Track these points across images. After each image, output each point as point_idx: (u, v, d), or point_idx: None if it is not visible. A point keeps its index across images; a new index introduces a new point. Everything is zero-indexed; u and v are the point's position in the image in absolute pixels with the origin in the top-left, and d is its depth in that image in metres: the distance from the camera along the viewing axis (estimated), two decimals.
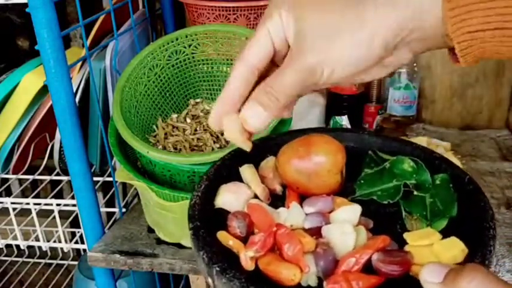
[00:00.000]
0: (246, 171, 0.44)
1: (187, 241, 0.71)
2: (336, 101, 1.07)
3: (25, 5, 0.62)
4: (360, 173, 0.45)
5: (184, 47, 0.76)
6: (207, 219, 0.40)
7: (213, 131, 0.74)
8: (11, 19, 1.23)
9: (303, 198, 0.42)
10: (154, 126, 0.75)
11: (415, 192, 0.40)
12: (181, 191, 0.65)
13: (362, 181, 0.43)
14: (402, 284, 0.34)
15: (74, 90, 0.73)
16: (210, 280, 0.36)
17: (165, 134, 0.74)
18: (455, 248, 0.35)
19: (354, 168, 0.44)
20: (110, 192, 1.00)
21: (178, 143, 0.72)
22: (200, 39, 0.75)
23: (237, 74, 0.37)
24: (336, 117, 0.84)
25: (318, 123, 1.08)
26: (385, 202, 0.41)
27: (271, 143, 0.48)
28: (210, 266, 0.35)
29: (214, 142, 0.72)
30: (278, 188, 0.44)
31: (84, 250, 1.34)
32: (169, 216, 0.69)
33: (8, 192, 1.33)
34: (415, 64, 1.06)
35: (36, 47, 0.63)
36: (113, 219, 1.06)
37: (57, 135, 0.90)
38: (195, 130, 0.74)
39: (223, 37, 0.75)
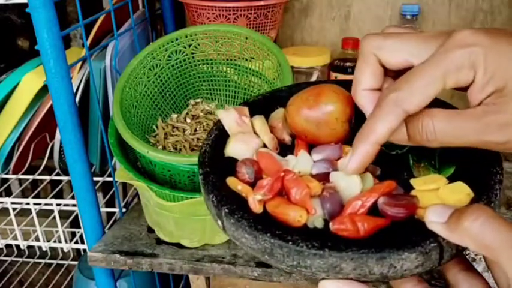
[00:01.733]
0: (256, 121, 0.44)
1: (187, 241, 0.71)
2: None
3: (25, 5, 0.62)
4: None
5: (184, 47, 0.76)
6: (217, 166, 0.40)
7: None
8: (11, 19, 1.23)
9: (311, 147, 0.42)
10: (154, 126, 0.75)
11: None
12: (181, 191, 0.65)
13: None
14: (407, 226, 0.34)
15: (74, 90, 0.73)
16: (219, 222, 0.37)
17: (165, 134, 0.74)
18: (460, 192, 0.35)
19: (364, 119, 0.43)
20: (110, 192, 1.00)
21: (178, 143, 0.72)
22: (200, 39, 0.75)
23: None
24: None
25: None
26: (394, 152, 0.41)
27: (280, 95, 0.48)
28: (219, 208, 0.36)
29: None
30: (287, 138, 0.44)
31: (84, 250, 1.34)
32: (169, 216, 0.69)
33: (8, 192, 1.33)
34: None
35: (36, 47, 0.63)
36: (113, 219, 1.06)
37: (57, 135, 0.90)
38: (195, 130, 0.74)
39: (223, 37, 0.75)
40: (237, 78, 0.78)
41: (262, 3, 0.89)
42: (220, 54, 0.77)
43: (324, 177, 0.38)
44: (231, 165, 0.41)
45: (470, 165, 0.38)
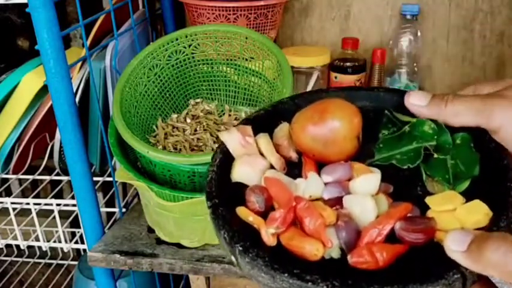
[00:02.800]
0: (261, 141, 0.42)
1: (187, 241, 0.71)
2: None
3: (25, 5, 0.62)
4: (377, 133, 0.43)
5: (184, 47, 0.76)
6: (225, 195, 0.39)
7: (213, 131, 0.74)
8: (11, 19, 1.23)
9: (319, 165, 0.41)
10: (154, 127, 0.75)
11: (436, 155, 0.39)
12: (181, 191, 0.65)
13: (381, 145, 0.41)
14: (427, 250, 0.33)
15: (74, 90, 0.73)
16: (233, 258, 0.36)
17: (165, 134, 0.74)
18: (479, 212, 0.34)
19: (371, 128, 0.42)
20: (110, 192, 1.00)
21: (178, 143, 0.72)
22: (200, 39, 0.75)
23: None
24: None
25: None
26: (405, 167, 0.40)
27: (283, 107, 0.46)
28: (232, 246, 0.35)
29: (214, 142, 0.72)
30: (294, 156, 0.42)
31: (84, 250, 1.34)
32: (169, 216, 0.69)
33: (8, 192, 1.33)
34: (415, 64, 1.06)
35: (36, 47, 0.63)
36: (113, 219, 1.06)
37: (57, 135, 0.91)
38: (195, 130, 0.74)
39: (223, 37, 0.75)
40: (237, 78, 0.78)
41: (262, 3, 0.89)
42: (220, 54, 0.77)
43: (336, 202, 0.37)
44: (239, 192, 0.39)
45: (484, 180, 0.37)
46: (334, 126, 0.39)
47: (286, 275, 0.33)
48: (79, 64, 0.82)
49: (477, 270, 0.31)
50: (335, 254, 0.35)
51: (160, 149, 0.70)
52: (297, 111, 0.43)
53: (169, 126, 0.75)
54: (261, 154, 0.42)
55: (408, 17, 1.02)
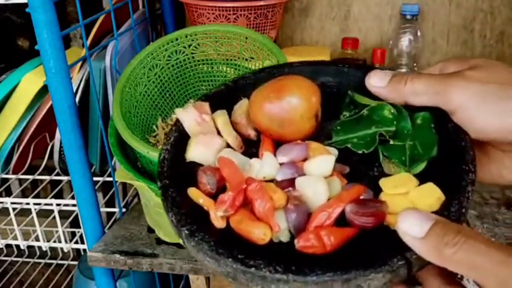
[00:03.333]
0: (218, 119, 0.41)
1: None
2: None
3: (25, 5, 0.62)
4: (339, 112, 0.41)
5: (184, 47, 0.76)
6: (178, 176, 0.38)
7: None
8: (11, 19, 1.23)
9: (278, 144, 0.40)
10: (154, 127, 0.75)
11: (392, 141, 0.38)
12: None
13: (338, 127, 0.40)
14: (376, 234, 0.33)
15: (74, 90, 0.73)
16: (182, 242, 0.35)
17: (165, 134, 0.74)
18: (431, 196, 0.34)
19: (333, 105, 0.41)
20: (110, 192, 1.00)
21: None
22: (200, 39, 0.75)
23: None
24: None
25: None
26: (360, 152, 0.39)
27: (245, 83, 0.44)
28: (179, 228, 0.35)
29: None
30: (252, 134, 0.41)
31: (84, 250, 1.34)
32: None
33: (8, 192, 1.33)
34: (415, 64, 1.06)
35: (36, 47, 0.63)
36: (113, 219, 1.06)
37: (57, 135, 0.90)
38: None
39: (223, 37, 0.75)
40: None
41: (262, 3, 0.89)
42: (220, 54, 0.77)
43: (289, 184, 0.36)
44: (193, 171, 0.38)
45: (442, 161, 0.36)
46: (291, 104, 0.38)
47: (230, 259, 0.32)
48: (79, 64, 0.82)
49: (434, 261, 0.29)
50: (284, 237, 0.34)
51: (160, 149, 0.70)
52: (258, 86, 0.41)
53: (169, 126, 0.75)
54: (218, 132, 0.41)
55: (408, 17, 1.02)
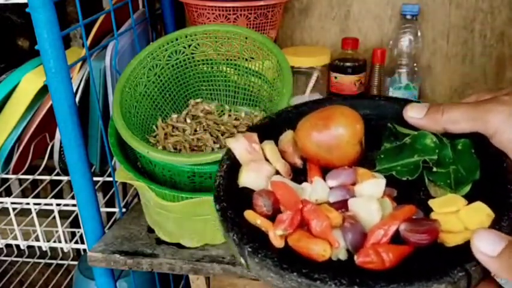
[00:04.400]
0: (266, 147, 0.44)
1: (187, 241, 0.71)
2: None
3: (25, 5, 0.62)
4: (379, 141, 0.44)
5: (184, 47, 0.76)
6: (233, 199, 0.40)
7: (213, 131, 0.74)
8: (11, 19, 1.23)
9: (324, 171, 0.42)
10: (154, 127, 0.75)
11: (435, 169, 0.40)
12: (181, 191, 0.65)
13: (382, 155, 0.43)
14: (431, 251, 0.34)
15: (74, 90, 0.73)
16: (242, 260, 0.36)
17: (165, 134, 0.74)
18: (481, 213, 0.35)
19: (372, 136, 0.44)
20: (110, 192, 1.00)
21: (178, 143, 0.72)
22: (200, 39, 0.75)
23: None
24: None
25: None
26: (404, 179, 0.41)
27: (288, 116, 0.48)
28: (241, 247, 0.36)
29: (214, 142, 0.72)
30: (298, 162, 0.44)
31: (84, 250, 1.34)
32: (169, 216, 0.69)
33: (8, 192, 1.33)
34: (415, 64, 1.06)
35: (36, 47, 0.63)
36: (113, 219, 1.06)
37: (57, 135, 0.91)
38: (195, 130, 0.74)
39: (223, 37, 0.75)
40: (236, 78, 0.78)
41: (262, 3, 0.89)
42: (220, 54, 0.77)
43: (342, 205, 0.38)
44: (246, 196, 0.41)
45: (485, 183, 0.38)
46: (338, 132, 0.41)
47: (295, 274, 0.33)
48: (79, 64, 0.82)
49: (506, 277, 0.31)
50: (342, 255, 0.36)
51: (160, 149, 0.70)
52: (300, 119, 0.44)
53: (169, 126, 0.75)
54: (267, 160, 0.43)
55: (408, 17, 1.02)
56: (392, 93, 1.05)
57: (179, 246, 0.72)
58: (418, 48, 1.04)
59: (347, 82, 1.04)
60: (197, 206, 0.66)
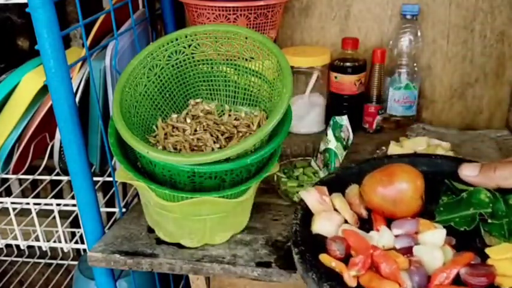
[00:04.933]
0: (336, 200, 0.51)
1: (186, 241, 0.71)
2: (336, 101, 1.07)
3: (25, 5, 0.62)
4: (437, 194, 0.50)
5: (184, 47, 0.76)
6: (309, 244, 0.46)
7: (213, 131, 0.74)
8: (11, 19, 1.23)
9: (388, 221, 0.47)
10: (154, 127, 0.75)
11: (490, 221, 0.45)
12: (181, 191, 0.65)
13: (441, 208, 0.48)
14: None
15: (74, 90, 0.73)
16: None
17: (165, 134, 0.74)
18: None
19: (431, 191, 0.49)
20: (110, 192, 1.00)
21: (178, 143, 0.72)
22: (200, 39, 0.75)
23: None
24: (336, 117, 0.84)
25: (318, 123, 1.08)
26: (462, 229, 0.45)
27: (352, 172, 0.56)
28: (320, 285, 0.41)
29: (214, 142, 0.72)
30: (364, 213, 0.51)
31: (84, 250, 1.34)
32: (169, 216, 0.69)
33: (8, 192, 1.33)
34: (415, 64, 1.06)
35: (36, 47, 0.63)
36: (113, 219, 1.06)
37: (57, 135, 0.91)
38: (195, 130, 0.74)
39: (223, 37, 0.75)
40: (237, 78, 0.78)
41: (262, 3, 0.89)
42: (220, 54, 0.77)
43: (407, 251, 0.44)
44: (319, 242, 0.47)
45: None
46: (401, 187, 0.47)
47: None
48: (79, 64, 0.83)
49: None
50: None
51: (160, 149, 0.70)
52: (362, 174, 0.51)
53: (169, 126, 0.75)
54: (336, 210, 0.50)
55: (408, 17, 1.02)
56: (393, 93, 1.05)
57: (179, 246, 0.72)
58: (418, 48, 1.04)
59: (347, 82, 1.04)
60: (197, 206, 0.65)
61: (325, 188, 0.52)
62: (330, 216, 0.49)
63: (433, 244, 0.44)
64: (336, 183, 0.53)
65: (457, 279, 0.40)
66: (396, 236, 0.45)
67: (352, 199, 0.50)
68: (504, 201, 0.45)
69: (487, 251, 0.43)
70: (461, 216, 0.46)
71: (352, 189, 0.51)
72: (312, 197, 0.51)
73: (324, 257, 0.45)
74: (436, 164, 0.53)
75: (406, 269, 0.41)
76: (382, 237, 0.46)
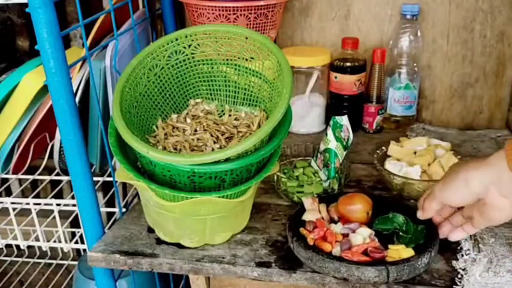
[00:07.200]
0: (321, 205, 0.77)
1: (186, 241, 0.71)
2: (336, 101, 1.07)
3: (25, 5, 0.62)
4: (380, 214, 0.73)
5: (184, 47, 0.76)
6: (296, 223, 0.73)
7: (213, 131, 0.74)
8: (11, 19, 1.23)
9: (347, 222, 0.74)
10: (154, 127, 0.75)
11: (401, 233, 0.70)
12: (181, 191, 0.65)
13: (377, 221, 0.72)
14: (382, 262, 0.65)
15: (74, 90, 0.73)
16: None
17: (165, 134, 0.74)
18: (408, 252, 0.66)
19: (376, 212, 0.74)
20: (110, 192, 1.00)
21: (178, 143, 0.72)
22: (200, 39, 0.75)
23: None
24: (336, 117, 0.84)
25: (318, 123, 1.08)
26: (384, 232, 0.71)
27: (335, 194, 0.81)
28: (294, 241, 0.68)
29: (214, 142, 0.72)
30: (336, 217, 0.75)
31: (84, 250, 1.34)
32: (169, 216, 0.69)
33: (8, 192, 1.33)
34: (415, 64, 1.06)
35: (36, 47, 0.63)
36: (113, 219, 1.06)
37: (57, 135, 0.91)
38: (195, 130, 0.74)
39: (223, 37, 0.75)
40: (237, 78, 0.78)
41: (262, 3, 0.89)
42: (220, 54, 0.77)
43: (346, 236, 0.69)
44: (303, 223, 0.73)
45: (424, 244, 0.67)
46: (357, 206, 0.73)
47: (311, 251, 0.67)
48: (79, 64, 0.83)
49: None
50: (337, 252, 0.67)
51: (160, 149, 0.70)
52: (338, 196, 0.76)
53: (169, 126, 0.75)
54: (319, 212, 0.75)
55: (408, 17, 1.02)
56: (393, 92, 1.06)
57: (179, 246, 0.72)
58: (418, 48, 1.04)
59: (347, 82, 1.04)
60: (197, 206, 0.66)
61: (317, 199, 0.77)
62: (314, 213, 0.75)
63: (361, 235, 0.69)
64: (324, 198, 0.79)
65: (365, 253, 0.66)
66: (344, 228, 0.71)
67: (331, 209, 0.76)
68: (414, 225, 0.70)
69: (390, 246, 0.67)
70: (387, 227, 0.71)
71: (333, 204, 0.77)
72: (308, 201, 0.77)
73: (302, 230, 0.71)
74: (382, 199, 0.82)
75: (340, 240, 0.68)
76: (336, 227, 0.71)
